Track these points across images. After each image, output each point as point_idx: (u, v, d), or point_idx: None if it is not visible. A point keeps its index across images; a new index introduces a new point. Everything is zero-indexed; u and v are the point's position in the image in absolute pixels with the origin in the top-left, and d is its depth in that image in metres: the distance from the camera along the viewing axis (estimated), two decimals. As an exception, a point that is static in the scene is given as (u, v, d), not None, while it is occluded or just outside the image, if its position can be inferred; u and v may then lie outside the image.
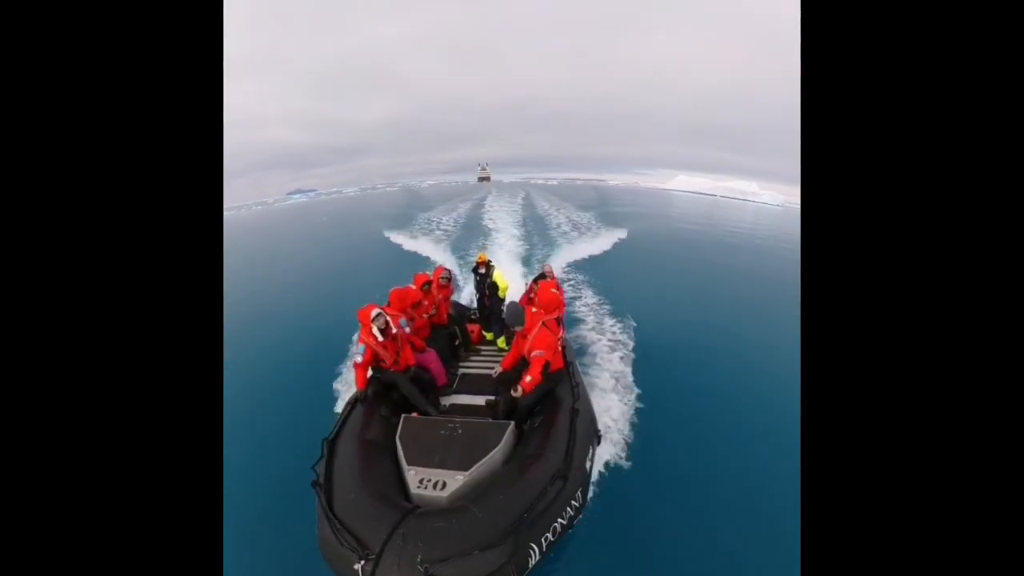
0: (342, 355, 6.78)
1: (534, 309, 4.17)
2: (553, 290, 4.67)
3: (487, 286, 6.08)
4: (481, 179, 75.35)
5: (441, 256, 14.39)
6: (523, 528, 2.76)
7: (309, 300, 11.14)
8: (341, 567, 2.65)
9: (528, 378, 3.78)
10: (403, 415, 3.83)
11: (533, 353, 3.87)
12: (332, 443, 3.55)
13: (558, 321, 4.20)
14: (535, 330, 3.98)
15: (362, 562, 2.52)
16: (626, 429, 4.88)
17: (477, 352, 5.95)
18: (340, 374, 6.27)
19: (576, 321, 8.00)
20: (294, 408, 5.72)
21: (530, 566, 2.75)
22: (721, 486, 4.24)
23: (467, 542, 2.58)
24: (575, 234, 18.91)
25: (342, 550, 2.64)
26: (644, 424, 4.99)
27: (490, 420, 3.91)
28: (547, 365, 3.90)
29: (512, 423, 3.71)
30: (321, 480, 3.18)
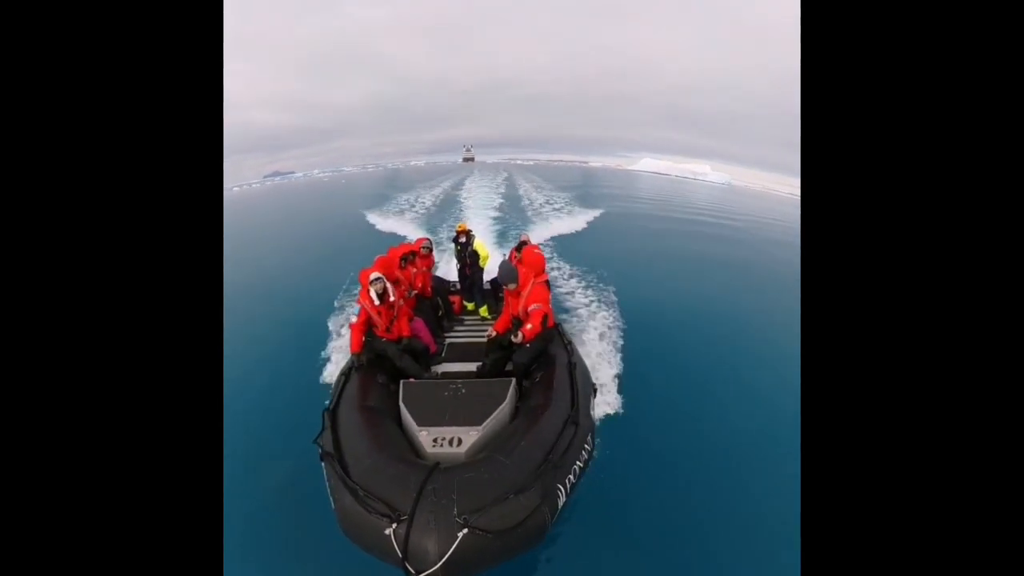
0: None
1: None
2: (536, 252, 4.50)
3: (468, 255, 5.81)
4: (466, 159, 74.52)
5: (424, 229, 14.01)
6: (549, 470, 2.55)
7: (311, 272, 10.62)
8: (368, 535, 2.28)
9: (528, 326, 3.64)
10: (402, 380, 3.51)
11: (531, 307, 3.74)
12: (333, 413, 3.17)
13: (547, 285, 4.09)
14: (529, 287, 3.83)
15: (394, 525, 2.16)
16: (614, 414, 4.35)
17: (460, 322, 5.73)
18: (328, 359, 5.53)
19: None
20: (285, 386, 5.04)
21: (559, 507, 2.55)
22: (713, 473, 3.74)
23: (500, 488, 2.32)
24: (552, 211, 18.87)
25: (369, 517, 2.26)
26: (631, 410, 4.41)
27: (491, 378, 3.69)
28: (545, 317, 3.76)
29: (513, 379, 3.46)
30: (330, 450, 2.78)
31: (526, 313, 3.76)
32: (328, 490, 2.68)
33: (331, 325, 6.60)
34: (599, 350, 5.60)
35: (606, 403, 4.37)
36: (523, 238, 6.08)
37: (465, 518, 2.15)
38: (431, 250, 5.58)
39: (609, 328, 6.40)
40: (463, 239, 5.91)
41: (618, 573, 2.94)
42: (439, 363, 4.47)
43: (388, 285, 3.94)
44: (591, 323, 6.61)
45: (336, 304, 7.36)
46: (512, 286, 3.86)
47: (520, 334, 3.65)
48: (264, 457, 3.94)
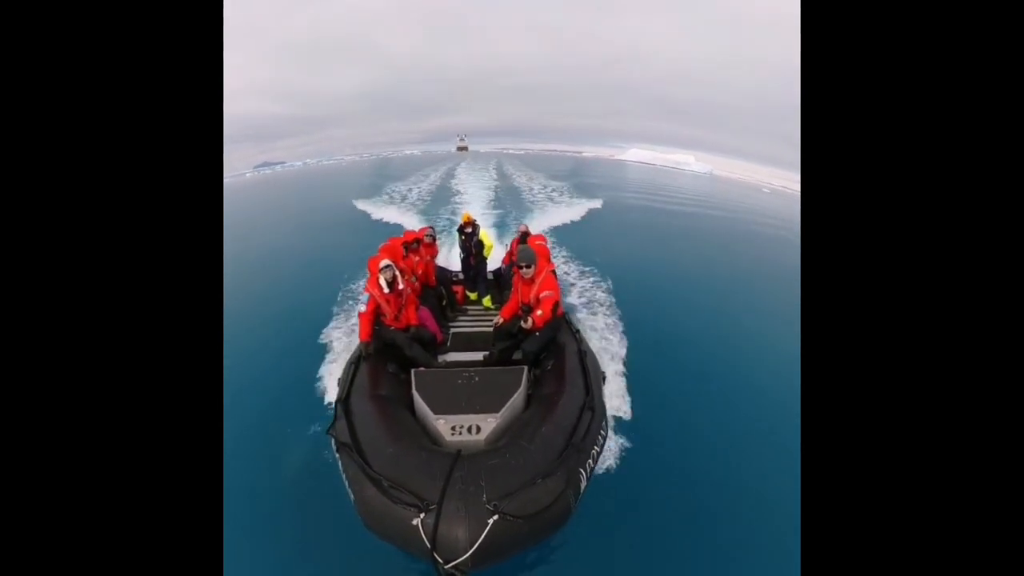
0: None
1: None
2: (539, 242, 4.33)
3: (473, 245, 5.58)
4: (459, 148, 73.10)
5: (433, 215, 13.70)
6: (573, 454, 2.50)
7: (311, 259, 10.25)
8: (394, 527, 2.15)
9: (539, 312, 3.54)
10: (413, 369, 3.37)
11: (543, 294, 3.64)
12: (346, 403, 3.01)
13: (553, 274, 3.99)
14: (543, 275, 3.73)
15: (422, 515, 2.06)
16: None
17: (464, 312, 5.56)
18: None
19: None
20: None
21: (581, 491, 2.50)
22: (710, 470, 3.62)
23: (527, 474, 2.25)
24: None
25: (395, 508, 2.14)
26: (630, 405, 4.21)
27: (502, 367, 3.57)
28: (556, 305, 3.67)
29: (526, 367, 3.36)
30: (347, 441, 2.61)
31: (538, 300, 3.64)
32: (345, 482, 2.52)
33: (330, 312, 6.37)
34: (597, 345, 5.42)
35: (607, 398, 4.19)
36: (522, 228, 5.91)
37: (495, 504, 2.08)
38: (435, 238, 5.36)
39: (605, 316, 6.24)
40: (469, 229, 5.72)
41: (619, 569, 2.88)
42: (445, 352, 4.35)
43: (397, 273, 3.74)
44: (589, 319, 6.42)
45: (334, 294, 7.10)
46: (531, 270, 3.73)
47: (531, 320, 3.53)
48: (263, 448, 3.77)
